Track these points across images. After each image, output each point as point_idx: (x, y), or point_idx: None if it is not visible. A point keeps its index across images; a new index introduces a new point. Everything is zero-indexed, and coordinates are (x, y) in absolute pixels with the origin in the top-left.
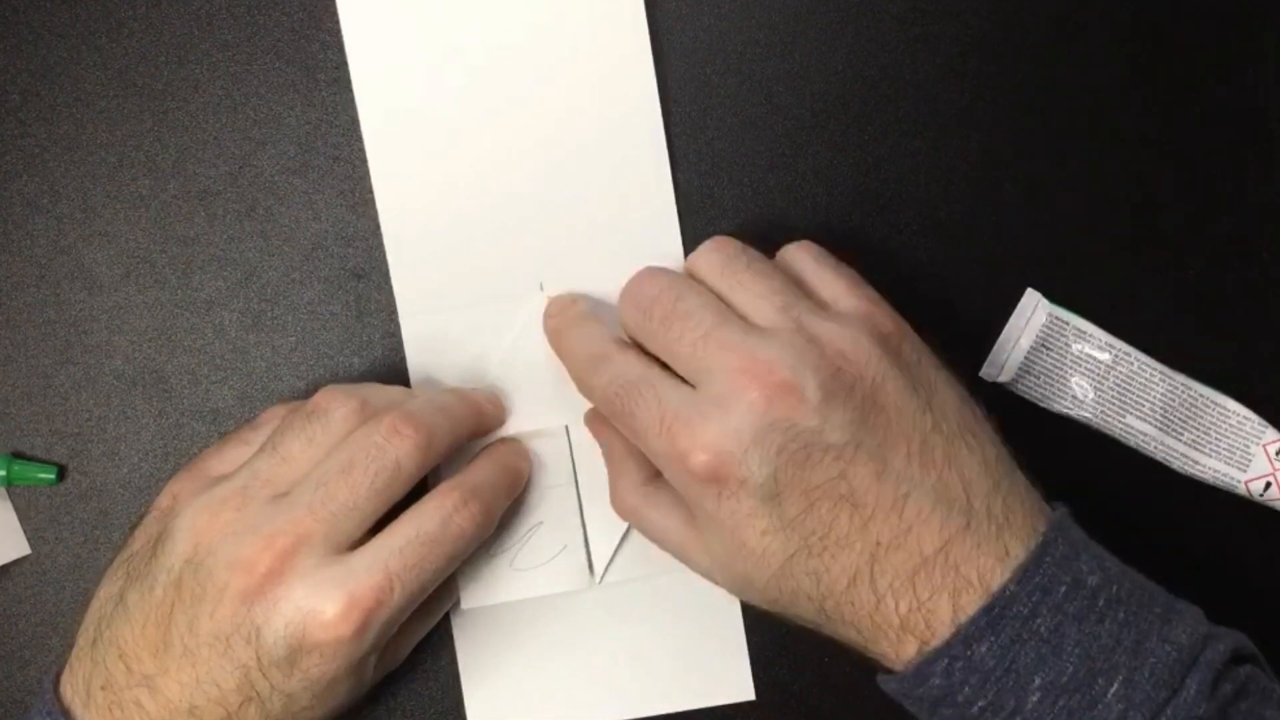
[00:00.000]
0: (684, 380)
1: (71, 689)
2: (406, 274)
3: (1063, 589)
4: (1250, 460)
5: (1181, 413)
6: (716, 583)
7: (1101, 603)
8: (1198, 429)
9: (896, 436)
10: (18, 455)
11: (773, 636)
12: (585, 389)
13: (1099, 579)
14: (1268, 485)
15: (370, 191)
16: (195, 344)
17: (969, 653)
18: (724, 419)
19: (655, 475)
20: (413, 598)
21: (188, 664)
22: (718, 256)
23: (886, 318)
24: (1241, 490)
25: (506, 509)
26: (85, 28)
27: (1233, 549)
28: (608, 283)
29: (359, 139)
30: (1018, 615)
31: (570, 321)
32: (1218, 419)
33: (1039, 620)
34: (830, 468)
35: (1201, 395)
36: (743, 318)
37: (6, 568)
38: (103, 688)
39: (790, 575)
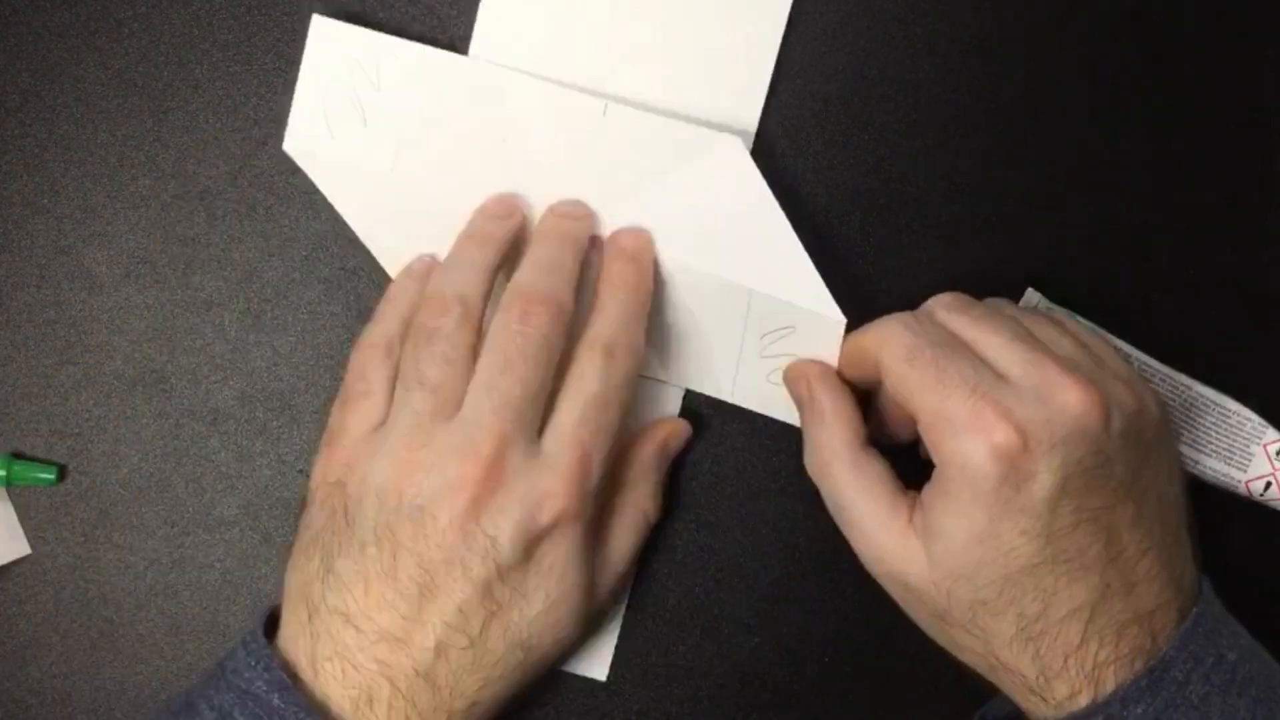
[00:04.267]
0: None
1: (290, 665)
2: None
3: (1210, 660)
4: (1250, 460)
5: (1181, 413)
6: (897, 571)
7: (1239, 678)
8: (1198, 429)
9: (1151, 494)
10: (18, 455)
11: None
12: (884, 336)
13: (1236, 655)
14: (1268, 485)
15: None
16: (195, 344)
17: (1124, 713)
18: (1038, 407)
19: (865, 443)
20: (606, 457)
21: (427, 601)
22: (1005, 302)
23: (1152, 400)
24: (1241, 490)
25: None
26: (85, 28)
27: (1233, 549)
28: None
29: None
30: (1174, 680)
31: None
32: (1218, 419)
33: (1191, 688)
34: (1107, 496)
35: (1201, 395)
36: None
37: (6, 568)
38: (329, 659)
39: (1019, 585)
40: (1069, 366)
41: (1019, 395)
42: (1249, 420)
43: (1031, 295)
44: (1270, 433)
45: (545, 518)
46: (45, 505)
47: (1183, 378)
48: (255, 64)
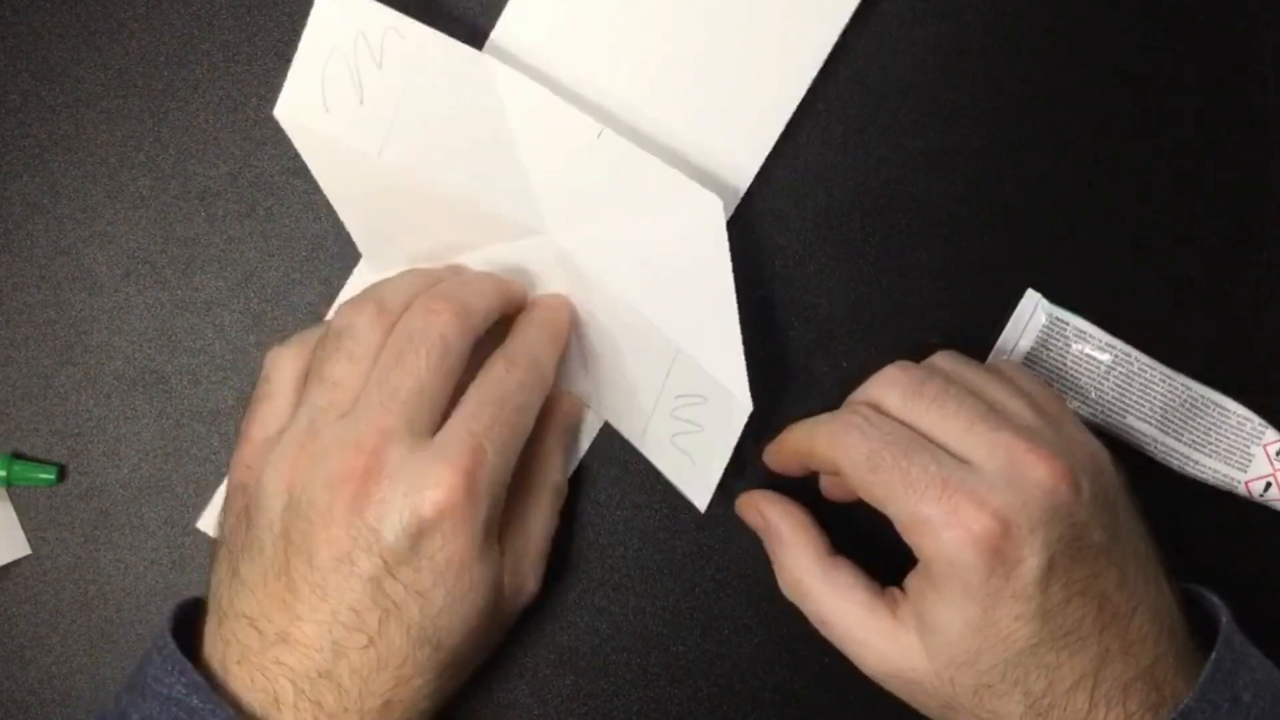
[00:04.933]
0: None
1: (208, 672)
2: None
3: (1225, 705)
4: (1250, 460)
5: (1182, 413)
6: (894, 672)
7: (1253, 717)
8: (1198, 429)
9: (1128, 550)
10: (18, 455)
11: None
12: (839, 445)
13: (1251, 695)
14: (1268, 485)
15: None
16: (195, 344)
17: None
18: (1014, 493)
19: (831, 553)
20: (504, 454)
21: (319, 600)
22: (956, 363)
23: (1106, 456)
24: (1241, 490)
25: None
26: (85, 28)
27: (1233, 549)
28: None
29: None
30: None
31: (803, 423)
32: (1218, 419)
33: None
34: (1091, 564)
35: (1201, 395)
36: (1003, 412)
37: (6, 568)
38: (238, 661)
39: (1022, 666)
40: (1032, 440)
41: (989, 481)
42: (1249, 420)
43: (1031, 295)
44: (1270, 433)
45: (429, 510)
46: (45, 505)
47: (1182, 378)
48: (255, 64)
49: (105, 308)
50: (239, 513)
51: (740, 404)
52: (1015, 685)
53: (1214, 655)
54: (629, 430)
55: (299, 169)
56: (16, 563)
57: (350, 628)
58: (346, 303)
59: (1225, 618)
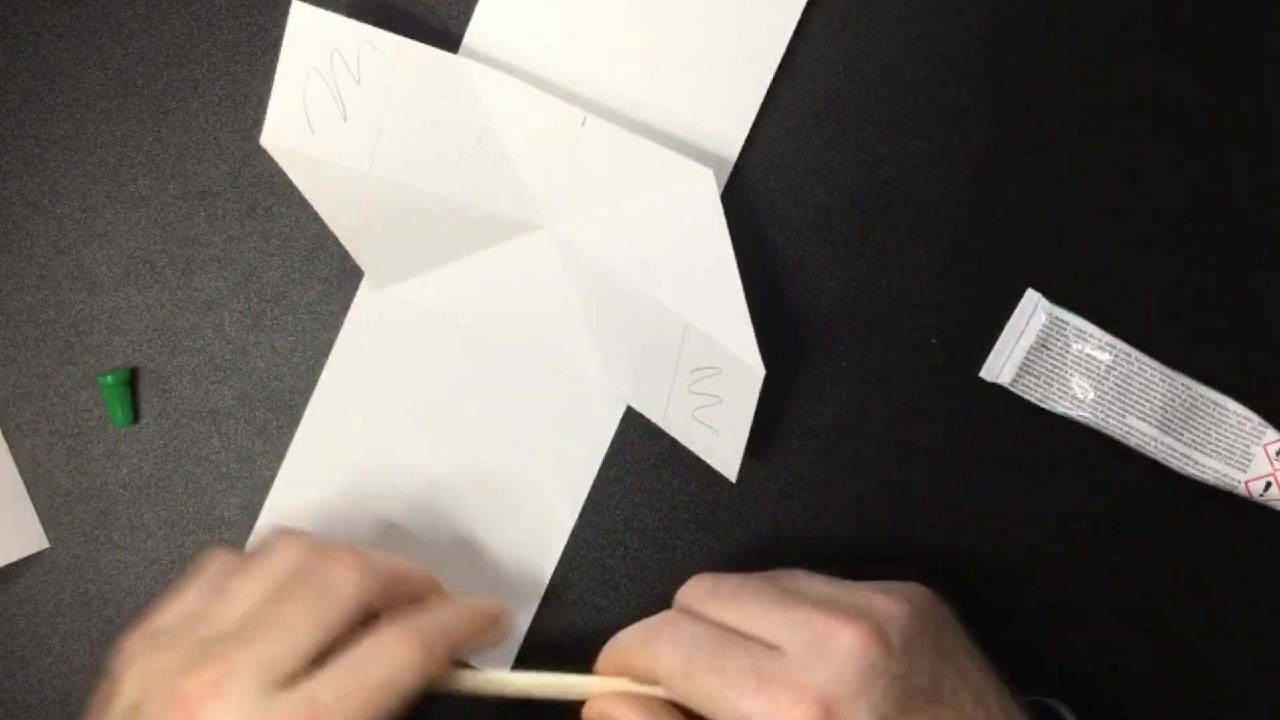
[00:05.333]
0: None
1: None
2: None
3: None
4: (1250, 460)
5: (1181, 413)
6: None
7: None
8: (1198, 429)
9: (961, 684)
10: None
11: None
12: (647, 656)
13: None
14: (1268, 485)
15: None
16: (195, 344)
17: None
18: (825, 668)
19: None
20: None
21: None
22: (735, 578)
23: (918, 590)
24: (1241, 490)
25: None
26: (85, 28)
27: (1233, 549)
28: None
29: None
30: None
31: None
32: (1218, 419)
33: None
34: (924, 710)
35: (1201, 395)
36: (799, 592)
37: (7, 567)
38: None
39: None
40: (831, 608)
41: (799, 661)
42: (1249, 420)
43: (1031, 295)
44: (1270, 433)
45: None
46: (46, 505)
47: (1182, 378)
48: (255, 64)
49: (105, 308)
50: (106, 695)
51: (753, 370)
52: None
53: None
54: (653, 413)
55: None
56: (17, 563)
57: None
58: (290, 530)
59: None
